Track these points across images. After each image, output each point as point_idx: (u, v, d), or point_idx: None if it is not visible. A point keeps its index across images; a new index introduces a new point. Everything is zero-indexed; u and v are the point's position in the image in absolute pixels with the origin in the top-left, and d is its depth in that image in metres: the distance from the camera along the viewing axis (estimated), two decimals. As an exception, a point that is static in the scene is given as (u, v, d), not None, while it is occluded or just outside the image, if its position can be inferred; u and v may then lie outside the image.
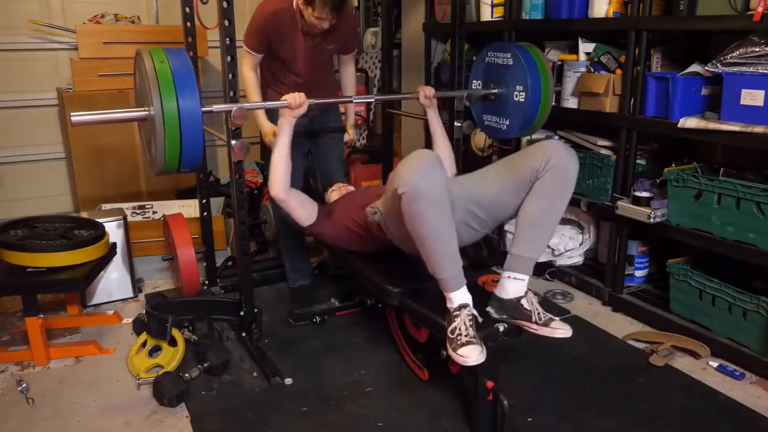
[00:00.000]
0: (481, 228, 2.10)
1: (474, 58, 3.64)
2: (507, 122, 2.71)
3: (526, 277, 1.93)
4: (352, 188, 2.70)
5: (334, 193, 2.65)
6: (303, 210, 2.41)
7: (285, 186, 2.34)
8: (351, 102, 2.71)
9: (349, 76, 2.98)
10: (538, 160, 1.89)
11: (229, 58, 2.26)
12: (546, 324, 1.85)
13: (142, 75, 1.99)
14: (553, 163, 1.88)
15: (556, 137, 3.17)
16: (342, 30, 2.72)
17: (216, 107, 2.21)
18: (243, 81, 2.72)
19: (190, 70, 1.98)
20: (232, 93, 2.28)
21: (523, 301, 1.90)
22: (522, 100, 2.59)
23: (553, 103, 3.05)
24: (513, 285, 1.92)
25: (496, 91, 2.71)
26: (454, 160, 2.62)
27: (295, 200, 2.39)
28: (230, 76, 2.27)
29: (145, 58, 1.98)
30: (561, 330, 1.85)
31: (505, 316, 1.94)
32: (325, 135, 2.96)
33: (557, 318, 1.89)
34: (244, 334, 2.63)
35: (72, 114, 1.93)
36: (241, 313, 2.59)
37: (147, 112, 1.98)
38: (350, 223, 2.32)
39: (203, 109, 2.02)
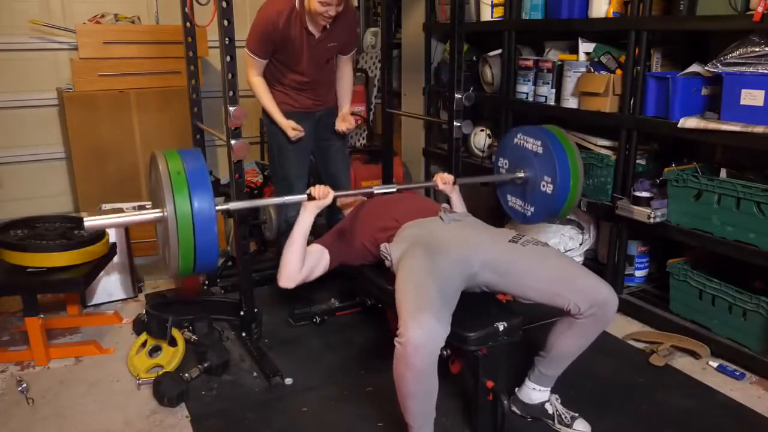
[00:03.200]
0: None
1: (474, 57, 3.66)
2: (532, 209, 2.63)
3: (550, 387, 2.10)
4: (362, 198, 2.62)
5: (348, 200, 2.61)
6: (317, 272, 2.25)
7: (296, 277, 2.18)
8: (373, 192, 2.42)
9: (346, 77, 2.97)
10: (585, 302, 1.85)
11: (228, 58, 2.26)
12: (569, 425, 2.04)
13: (156, 177, 1.95)
14: (596, 312, 1.87)
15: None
16: (344, 26, 2.73)
17: (233, 205, 2.22)
18: (252, 87, 2.76)
19: (204, 173, 1.95)
20: (231, 93, 2.27)
21: (547, 406, 2.08)
22: (549, 192, 2.50)
23: (553, 103, 3.07)
24: (538, 394, 2.09)
25: (522, 175, 2.62)
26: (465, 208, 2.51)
27: (307, 278, 2.23)
28: (230, 75, 2.27)
29: (159, 161, 1.94)
30: (582, 430, 2.04)
31: (529, 416, 2.11)
32: (330, 137, 2.97)
33: (578, 416, 2.06)
34: (244, 334, 2.63)
35: (85, 219, 1.92)
36: (241, 313, 2.59)
37: (162, 214, 1.93)
38: (367, 242, 2.25)
39: (217, 207, 1.98)
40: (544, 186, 2.53)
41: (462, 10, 2.82)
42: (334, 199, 2.29)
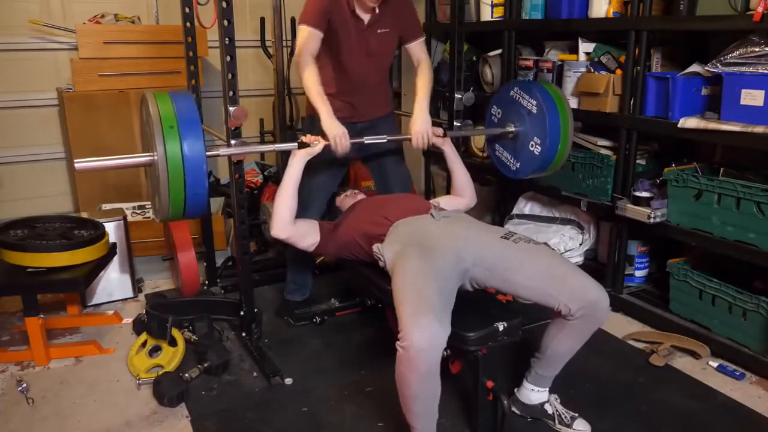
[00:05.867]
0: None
1: (474, 57, 3.66)
2: (518, 165, 2.62)
3: (548, 387, 2.10)
4: (362, 195, 2.64)
5: (348, 199, 2.61)
6: (306, 240, 2.35)
7: (287, 226, 2.27)
8: (384, 140, 2.44)
9: (423, 66, 2.60)
10: (576, 302, 1.86)
11: (228, 58, 2.26)
12: (569, 425, 2.03)
13: (146, 119, 1.94)
14: (587, 313, 1.87)
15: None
16: (396, 9, 2.50)
17: (224, 150, 2.23)
18: (300, 70, 2.40)
19: (195, 115, 1.94)
20: (231, 93, 2.27)
21: (546, 406, 2.08)
22: (536, 153, 2.50)
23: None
24: (537, 395, 2.09)
25: (513, 129, 2.60)
26: (474, 191, 2.54)
27: (296, 236, 2.32)
28: (230, 75, 2.27)
29: (149, 102, 1.92)
30: (582, 429, 2.03)
31: (529, 417, 2.11)
32: (381, 151, 2.70)
33: (578, 416, 2.06)
34: (244, 334, 2.63)
35: (75, 161, 1.90)
36: (241, 313, 2.59)
37: (151, 157, 1.92)
38: (357, 236, 2.26)
39: (208, 153, 1.98)
40: (532, 146, 2.51)
41: (462, 10, 2.83)
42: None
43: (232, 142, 2.30)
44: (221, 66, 2.28)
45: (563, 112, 2.48)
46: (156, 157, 1.86)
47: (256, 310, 2.60)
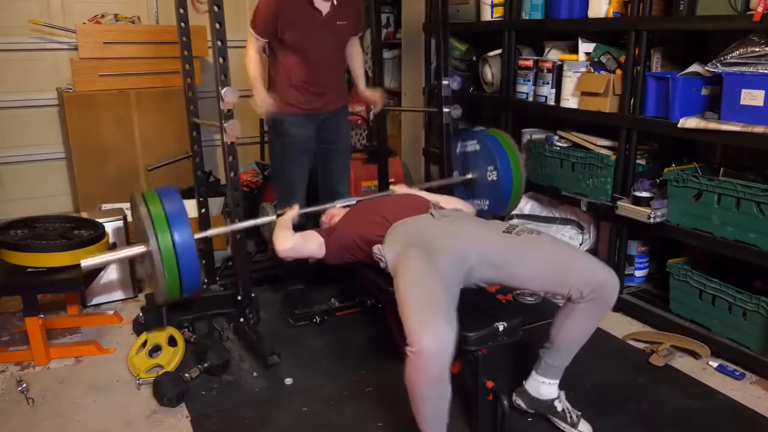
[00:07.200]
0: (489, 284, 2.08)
1: (474, 57, 3.65)
2: (487, 202, 2.84)
3: (558, 380, 2.06)
4: (342, 210, 2.59)
5: (327, 219, 2.59)
6: (308, 245, 2.30)
7: (285, 243, 2.29)
8: (335, 206, 2.56)
9: (357, 55, 2.96)
10: (586, 286, 1.84)
11: (221, 60, 2.29)
12: (575, 424, 2.01)
13: (139, 218, 2.12)
14: (598, 295, 1.85)
15: (555, 137, 3.18)
16: (351, 1, 2.69)
17: (211, 232, 2.49)
18: (245, 58, 2.69)
19: (182, 210, 2.10)
20: (223, 77, 2.35)
21: (556, 403, 2.04)
22: (495, 178, 2.74)
23: (553, 103, 3.08)
24: (547, 388, 2.05)
25: (470, 176, 2.86)
26: (464, 203, 2.52)
27: (299, 245, 2.29)
28: (223, 77, 2.32)
29: (139, 203, 2.09)
30: (584, 431, 2.02)
31: (533, 411, 2.08)
32: (334, 140, 2.90)
33: (580, 416, 2.04)
34: (241, 320, 2.63)
35: (82, 261, 2.12)
36: (238, 298, 2.60)
37: (147, 248, 2.09)
38: (358, 239, 2.23)
39: (196, 236, 2.12)
40: (489, 175, 2.78)
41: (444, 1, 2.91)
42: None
43: (225, 124, 2.40)
44: (214, 67, 2.31)
45: (499, 136, 2.81)
46: (151, 248, 2.04)
47: (253, 295, 2.61)
